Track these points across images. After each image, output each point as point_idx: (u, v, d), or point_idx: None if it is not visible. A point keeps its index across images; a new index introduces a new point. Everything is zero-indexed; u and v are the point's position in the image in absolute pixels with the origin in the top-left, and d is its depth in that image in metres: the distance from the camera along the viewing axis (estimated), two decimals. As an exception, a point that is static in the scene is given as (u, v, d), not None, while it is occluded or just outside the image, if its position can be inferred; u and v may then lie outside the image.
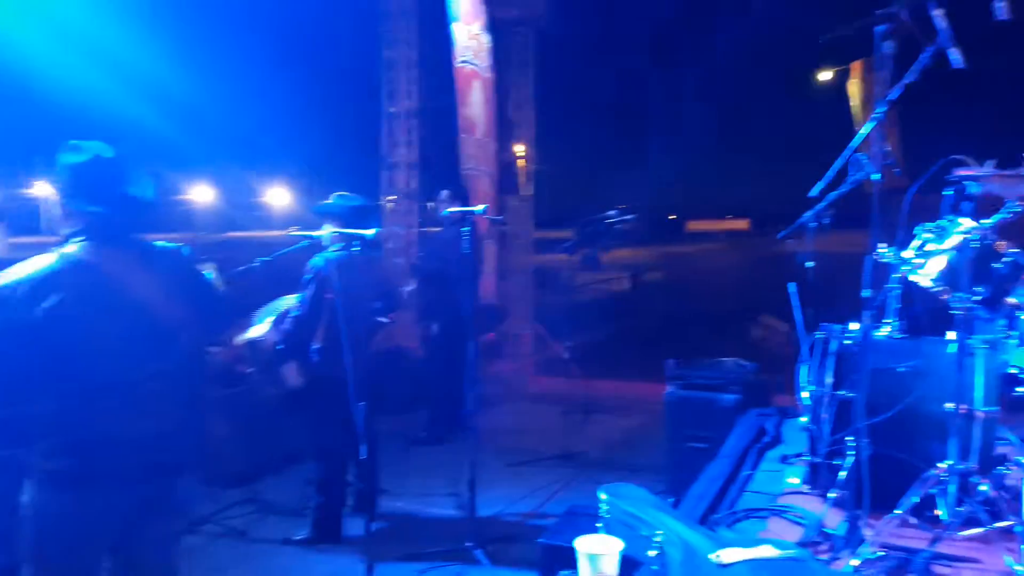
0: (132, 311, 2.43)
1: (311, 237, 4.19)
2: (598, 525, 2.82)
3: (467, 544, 4.15)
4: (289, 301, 4.51)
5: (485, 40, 8.46)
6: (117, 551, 2.51)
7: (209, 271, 4.73)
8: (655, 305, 18.66)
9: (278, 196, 48.44)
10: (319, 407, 4.46)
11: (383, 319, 4.74)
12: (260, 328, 4.56)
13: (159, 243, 2.65)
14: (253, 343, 4.49)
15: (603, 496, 2.86)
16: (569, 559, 2.31)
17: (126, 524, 2.46)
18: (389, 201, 8.46)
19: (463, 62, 7.99)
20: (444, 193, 6.36)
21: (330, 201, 4.46)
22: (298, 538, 4.45)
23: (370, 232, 3.74)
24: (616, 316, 16.06)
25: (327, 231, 4.37)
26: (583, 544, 2.23)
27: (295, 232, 4.22)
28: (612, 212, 6.22)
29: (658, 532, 2.56)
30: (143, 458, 2.44)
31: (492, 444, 6.29)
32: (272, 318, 4.57)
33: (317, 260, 4.30)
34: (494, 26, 9.18)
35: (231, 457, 5.34)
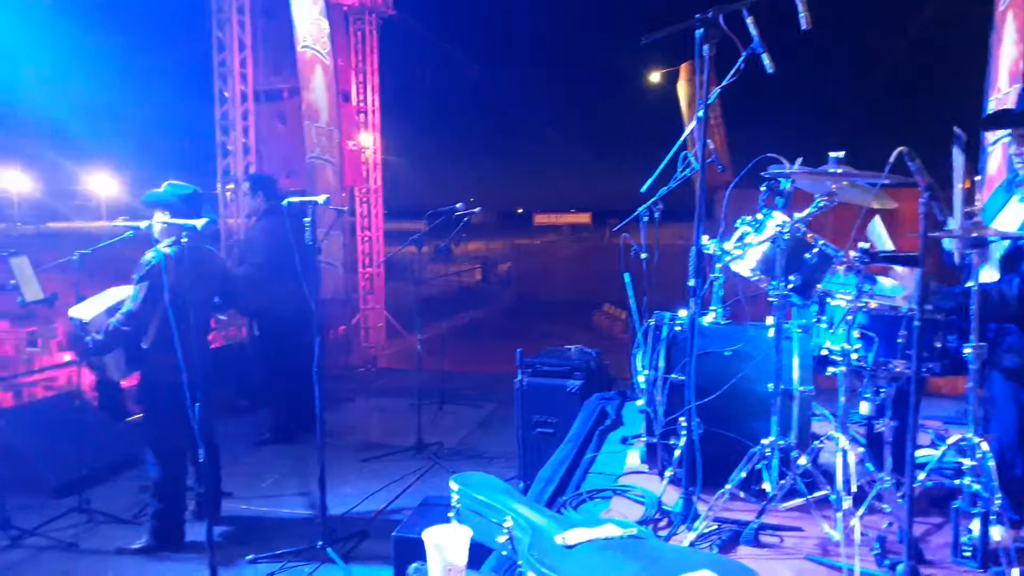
0: None
1: (137, 228, 3.92)
2: (450, 515, 2.85)
3: (319, 543, 4.06)
4: (123, 292, 4.22)
5: (325, 26, 8.26)
6: None
7: (21, 264, 4.33)
8: (506, 296, 18.98)
9: (102, 184, 45.15)
10: (154, 409, 4.25)
11: (221, 315, 4.50)
12: (88, 309, 4.21)
13: None
14: (80, 323, 4.13)
15: (454, 486, 2.89)
16: (423, 551, 2.32)
17: None
18: (227, 190, 8.08)
19: (305, 47, 7.75)
20: (244, 184, 6.09)
21: (161, 190, 4.21)
22: (135, 547, 4.21)
23: (200, 222, 3.51)
24: (468, 307, 16.19)
25: (156, 221, 4.12)
26: (431, 535, 2.25)
27: (121, 223, 3.95)
28: (460, 204, 6.23)
29: (507, 518, 2.62)
30: None
31: (344, 440, 6.19)
32: (103, 303, 4.25)
33: (153, 255, 4.04)
34: (337, 13, 8.98)
35: (58, 465, 4.98)
